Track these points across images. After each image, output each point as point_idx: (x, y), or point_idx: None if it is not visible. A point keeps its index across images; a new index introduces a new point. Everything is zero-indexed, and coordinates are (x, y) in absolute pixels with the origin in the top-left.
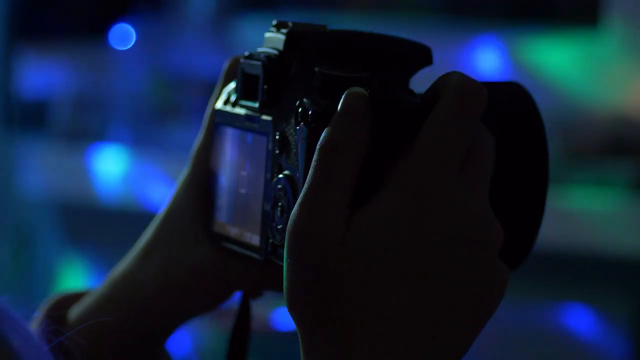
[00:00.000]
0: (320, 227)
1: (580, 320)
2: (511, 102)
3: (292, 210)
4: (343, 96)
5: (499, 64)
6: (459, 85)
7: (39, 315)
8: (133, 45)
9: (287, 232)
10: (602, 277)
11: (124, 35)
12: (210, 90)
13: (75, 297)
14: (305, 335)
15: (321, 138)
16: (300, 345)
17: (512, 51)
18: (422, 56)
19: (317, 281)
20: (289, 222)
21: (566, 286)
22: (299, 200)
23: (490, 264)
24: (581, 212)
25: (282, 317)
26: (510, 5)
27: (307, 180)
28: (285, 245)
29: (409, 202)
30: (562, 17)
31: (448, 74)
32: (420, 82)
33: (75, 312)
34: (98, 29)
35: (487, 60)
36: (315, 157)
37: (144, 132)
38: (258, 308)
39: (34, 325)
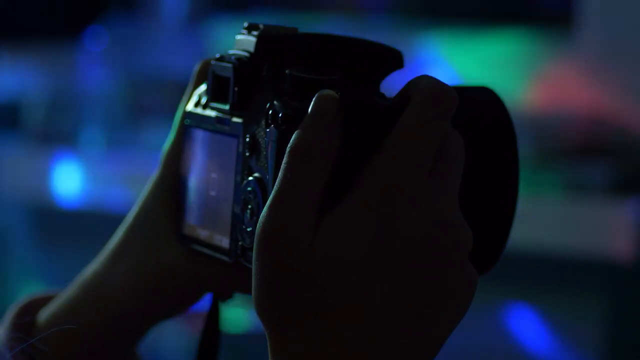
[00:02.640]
0: (288, 229)
1: (551, 322)
2: (482, 106)
3: (261, 212)
4: (314, 98)
5: (472, 66)
6: (430, 89)
7: (6, 318)
8: (105, 47)
9: (256, 234)
10: (575, 279)
11: (96, 37)
12: (182, 92)
13: (44, 300)
14: (273, 337)
15: (291, 141)
16: (269, 348)
17: (485, 52)
18: (393, 60)
19: (285, 284)
20: (257, 224)
21: (539, 288)
22: (268, 203)
23: (458, 267)
24: (554, 214)
25: (251, 319)
26: (484, 5)
27: (276, 183)
28: (254, 247)
29: (377, 205)
30: (537, 18)
31: (419, 77)
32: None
33: (44, 315)
34: (71, 31)
35: (459, 63)
36: (285, 160)
37: (116, 134)
38: (228, 310)
39: (1, 329)
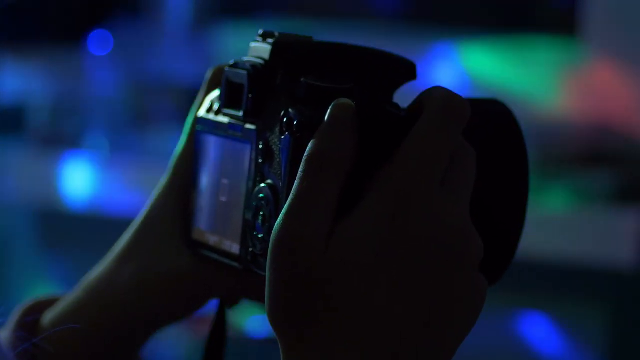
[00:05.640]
0: (304, 237)
1: (554, 330)
2: (492, 118)
3: (273, 219)
4: (330, 107)
5: (477, 74)
6: (443, 100)
7: (11, 320)
8: (110, 51)
9: (271, 242)
10: (580, 287)
11: (101, 41)
12: (187, 97)
13: (49, 303)
14: (286, 344)
15: (308, 149)
16: (281, 355)
17: (492, 60)
18: (407, 71)
19: (299, 291)
20: (272, 232)
21: (542, 295)
22: (284, 211)
23: (469, 277)
24: (559, 221)
25: (257, 325)
26: (489, 13)
27: (292, 191)
28: (269, 255)
29: (390, 214)
30: (541, 26)
31: (432, 88)
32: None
33: (49, 317)
34: (75, 35)
35: (465, 71)
36: (301, 168)
37: (120, 138)
38: (234, 315)
39: (6, 330)
